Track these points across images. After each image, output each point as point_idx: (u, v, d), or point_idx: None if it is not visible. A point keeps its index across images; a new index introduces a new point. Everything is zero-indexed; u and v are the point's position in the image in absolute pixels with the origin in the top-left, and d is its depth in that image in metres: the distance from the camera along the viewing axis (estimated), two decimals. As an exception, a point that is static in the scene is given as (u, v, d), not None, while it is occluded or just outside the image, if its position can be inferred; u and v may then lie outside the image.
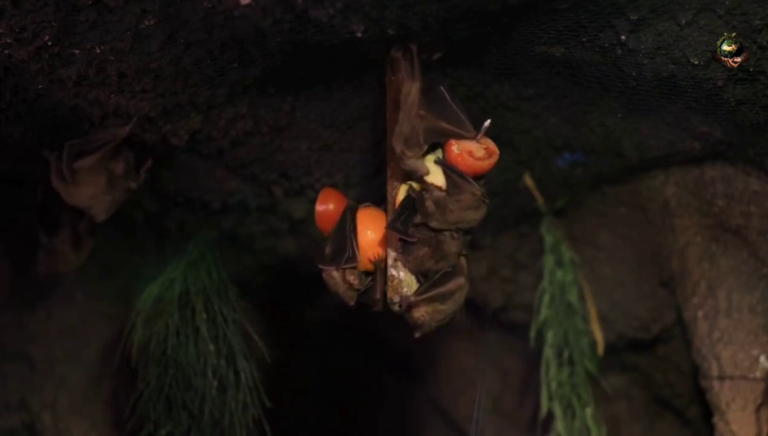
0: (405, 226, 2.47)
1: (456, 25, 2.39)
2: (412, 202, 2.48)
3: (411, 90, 2.45)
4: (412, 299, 2.51)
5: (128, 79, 2.60)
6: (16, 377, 3.78)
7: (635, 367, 4.04)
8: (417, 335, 2.55)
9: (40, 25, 2.31)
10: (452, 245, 2.47)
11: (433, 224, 2.43)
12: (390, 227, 2.53)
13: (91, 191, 2.79)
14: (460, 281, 2.52)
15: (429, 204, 2.43)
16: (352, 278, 2.63)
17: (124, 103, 2.71)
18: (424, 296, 2.50)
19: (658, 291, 3.71)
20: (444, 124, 2.44)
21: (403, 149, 2.44)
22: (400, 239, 2.50)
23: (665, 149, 3.09)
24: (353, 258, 2.62)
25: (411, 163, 2.45)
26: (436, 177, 2.47)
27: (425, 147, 2.45)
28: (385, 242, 2.62)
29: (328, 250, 2.68)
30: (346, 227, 2.66)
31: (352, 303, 2.67)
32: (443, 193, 2.43)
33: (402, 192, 2.53)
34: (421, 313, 2.50)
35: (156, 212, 3.53)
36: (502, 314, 3.93)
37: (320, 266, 2.67)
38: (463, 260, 2.55)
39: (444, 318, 2.54)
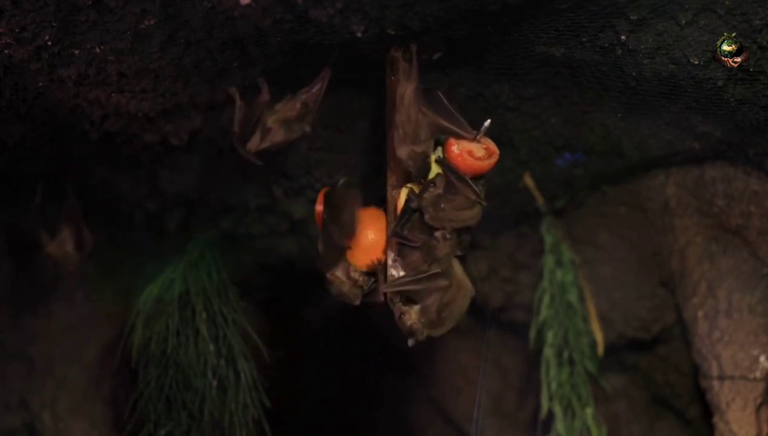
0: (403, 229, 2.49)
1: (456, 25, 2.39)
2: (411, 207, 2.49)
3: (406, 91, 2.45)
4: (385, 287, 2.51)
5: (128, 79, 2.60)
6: (16, 377, 3.78)
7: (635, 367, 4.04)
8: (410, 342, 2.54)
9: (40, 25, 2.31)
10: (444, 247, 2.47)
11: (427, 219, 2.44)
12: (392, 234, 2.54)
13: (274, 148, 2.66)
14: (442, 282, 2.49)
15: (425, 197, 2.44)
16: (356, 274, 2.63)
17: (124, 103, 2.71)
18: (397, 286, 2.48)
19: (658, 291, 3.71)
20: (444, 122, 2.45)
21: (411, 148, 2.45)
22: (398, 243, 2.51)
23: (665, 149, 3.09)
24: (345, 233, 2.58)
25: (419, 161, 2.46)
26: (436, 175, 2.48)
27: (431, 142, 2.46)
28: (386, 243, 2.62)
29: (321, 248, 2.68)
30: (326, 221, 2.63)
31: (357, 302, 2.66)
32: (439, 190, 2.44)
33: (403, 195, 2.54)
34: (412, 320, 2.50)
35: (156, 212, 3.53)
36: (502, 314, 3.93)
37: (325, 271, 2.66)
38: (458, 267, 2.54)
39: (438, 324, 2.52)
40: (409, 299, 2.50)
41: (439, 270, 2.48)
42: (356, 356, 4.54)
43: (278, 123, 2.58)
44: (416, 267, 2.48)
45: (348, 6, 2.26)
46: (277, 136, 2.59)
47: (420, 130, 2.45)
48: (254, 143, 2.57)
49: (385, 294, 2.60)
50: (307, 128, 2.60)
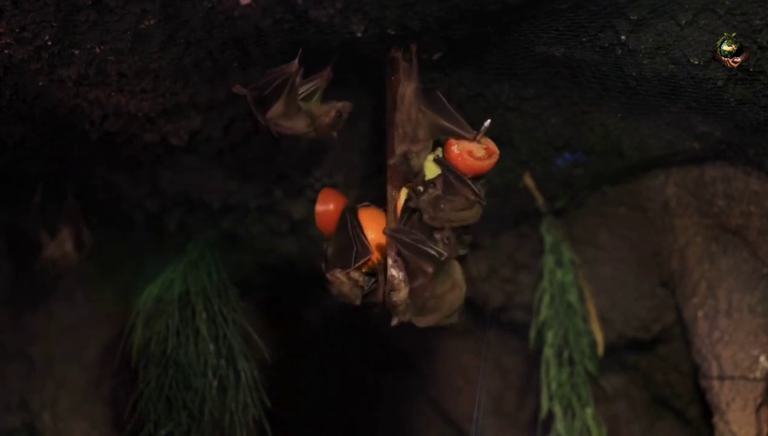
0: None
1: (456, 25, 2.39)
2: (411, 207, 2.49)
3: (406, 91, 2.46)
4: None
5: (128, 79, 2.60)
6: (16, 377, 3.78)
7: (635, 367, 4.04)
8: (394, 322, 2.52)
9: (40, 25, 2.31)
10: (443, 249, 2.48)
11: (426, 219, 2.45)
12: (389, 232, 2.53)
13: (291, 132, 2.60)
14: (428, 268, 2.46)
15: (424, 199, 2.45)
16: (356, 275, 2.63)
17: (124, 103, 2.71)
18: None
19: (658, 291, 3.71)
20: (444, 122, 2.46)
21: (409, 147, 2.45)
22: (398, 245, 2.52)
23: (665, 149, 3.09)
24: (364, 252, 2.61)
25: (419, 161, 2.46)
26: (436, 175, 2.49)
27: (431, 142, 2.47)
28: (386, 243, 2.62)
29: (330, 253, 2.67)
30: (348, 226, 2.65)
31: (358, 303, 2.65)
32: (438, 192, 2.44)
33: (403, 195, 2.54)
34: (398, 298, 2.48)
35: (156, 212, 3.53)
36: (502, 314, 3.93)
37: (326, 272, 2.66)
38: (458, 269, 2.53)
39: (422, 312, 2.51)
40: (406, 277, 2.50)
41: (436, 254, 2.46)
42: (356, 356, 4.54)
43: (308, 119, 2.56)
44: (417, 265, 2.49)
45: (348, 6, 2.26)
46: (302, 127, 2.57)
47: (419, 129, 2.46)
48: (275, 112, 2.53)
49: (385, 294, 2.61)
50: (334, 134, 2.60)
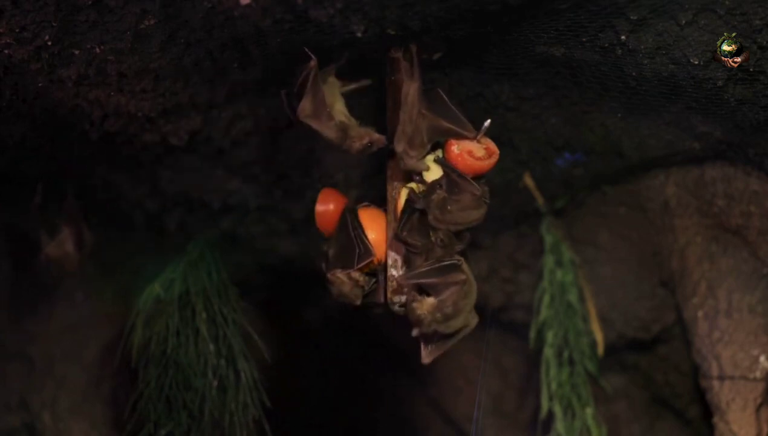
0: (403, 231, 2.50)
1: (456, 25, 2.39)
2: (411, 207, 2.49)
3: (409, 90, 2.46)
4: (400, 279, 2.50)
5: (128, 79, 2.60)
6: (16, 377, 3.78)
7: (635, 367, 4.04)
8: (415, 333, 2.49)
9: (40, 25, 2.31)
10: (439, 251, 2.48)
11: (431, 220, 2.44)
12: (395, 238, 2.54)
13: (327, 138, 2.58)
14: (460, 276, 2.47)
15: (433, 199, 2.44)
16: (357, 275, 2.63)
17: (124, 103, 2.71)
18: (413, 277, 2.47)
19: (658, 291, 3.71)
20: (445, 123, 2.45)
21: (406, 149, 2.45)
22: (405, 248, 2.52)
23: (665, 149, 3.09)
24: (367, 253, 2.61)
25: (413, 163, 2.46)
26: (436, 176, 2.48)
27: (428, 146, 2.46)
28: (386, 243, 2.62)
29: (331, 254, 2.67)
30: (349, 226, 2.65)
31: (358, 302, 2.64)
32: (444, 193, 2.44)
33: (403, 195, 2.54)
34: (422, 310, 2.47)
35: (156, 212, 3.53)
36: (502, 314, 3.93)
37: (326, 272, 2.66)
38: (467, 267, 2.53)
39: (447, 324, 2.49)
40: (422, 290, 2.47)
41: (456, 261, 2.46)
42: (356, 356, 4.54)
43: (340, 132, 2.55)
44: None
45: (348, 6, 2.26)
46: (331, 136, 2.56)
47: (417, 133, 2.45)
48: (303, 111, 2.50)
49: (385, 294, 2.61)
50: (358, 155, 2.58)
